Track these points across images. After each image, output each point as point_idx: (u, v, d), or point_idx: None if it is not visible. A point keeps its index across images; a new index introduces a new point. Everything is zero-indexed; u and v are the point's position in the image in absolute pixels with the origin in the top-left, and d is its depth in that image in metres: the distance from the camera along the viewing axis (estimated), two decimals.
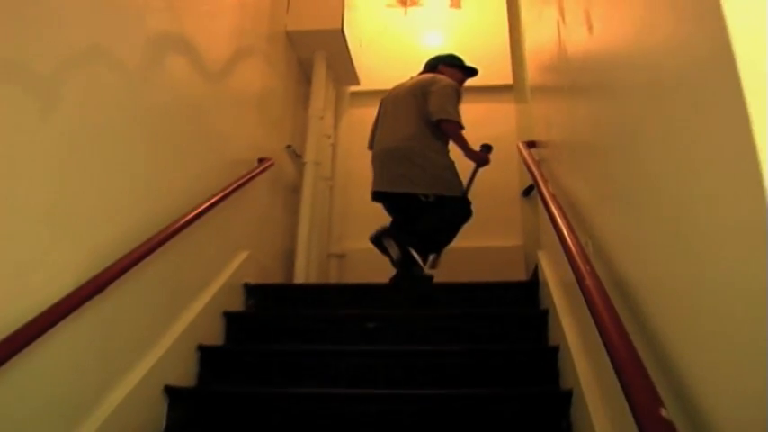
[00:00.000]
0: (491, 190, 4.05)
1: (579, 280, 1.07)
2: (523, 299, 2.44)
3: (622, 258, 1.09)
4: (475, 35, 4.32)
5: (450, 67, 3.08)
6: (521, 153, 2.31)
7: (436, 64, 3.12)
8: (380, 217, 4.21)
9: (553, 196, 1.57)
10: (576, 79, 1.44)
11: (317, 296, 2.73)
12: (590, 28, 1.22)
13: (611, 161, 1.16)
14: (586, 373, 1.44)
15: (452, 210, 2.76)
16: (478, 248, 3.85)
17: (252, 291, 2.61)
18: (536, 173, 1.89)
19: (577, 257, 1.15)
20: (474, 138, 4.18)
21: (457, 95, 2.86)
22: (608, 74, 1.14)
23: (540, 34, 2.13)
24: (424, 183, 2.72)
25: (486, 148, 2.93)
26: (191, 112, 2.15)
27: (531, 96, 2.56)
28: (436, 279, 2.93)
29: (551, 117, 1.97)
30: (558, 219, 1.39)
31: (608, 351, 0.86)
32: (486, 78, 4.19)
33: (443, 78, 2.96)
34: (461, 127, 2.79)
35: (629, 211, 1.06)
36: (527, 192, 3.81)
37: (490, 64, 4.19)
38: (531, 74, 2.54)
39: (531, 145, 2.36)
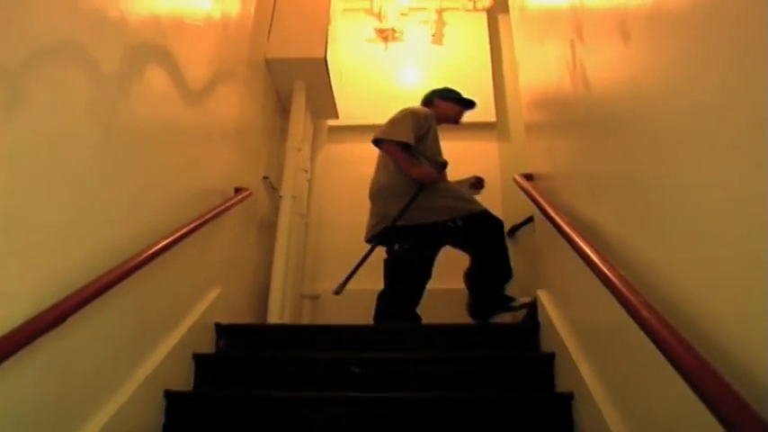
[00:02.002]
0: None
1: (634, 313, 0.94)
2: (520, 342, 2.30)
3: (678, 289, 0.97)
4: (457, 73, 4.32)
5: (445, 101, 3.07)
6: (520, 185, 2.22)
7: (432, 98, 3.13)
8: (353, 256, 4.06)
9: (572, 226, 1.46)
10: (599, 104, 1.35)
11: (295, 338, 2.52)
12: (626, 39, 1.14)
13: (661, 191, 1.05)
14: (619, 426, 1.29)
15: (486, 230, 2.79)
16: (458, 290, 3.73)
17: (223, 331, 2.39)
18: (544, 204, 1.79)
19: (624, 289, 1.03)
20: (455, 176, 4.13)
21: (412, 119, 2.86)
22: (652, 92, 1.05)
23: (542, 64, 2.08)
24: (443, 210, 2.72)
25: (440, 166, 2.88)
26: (167, 130, 1.99)
27: (527, 130, 2.50)
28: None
29: (557, 148, 1.89)
30: (587, 249, 1.27)
31: (708, 401, 0.72)
32: (468, 116, 4.19)
33: (405, 108, 2.98)
34: (402, 145, 2.79)
35: (686, 241, 0.95)
36: (513, 231, 3.74)
37: None
38: (528, 108, 2.49)
39: (528, 178, 2.28)
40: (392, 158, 2.87)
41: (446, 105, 3.04)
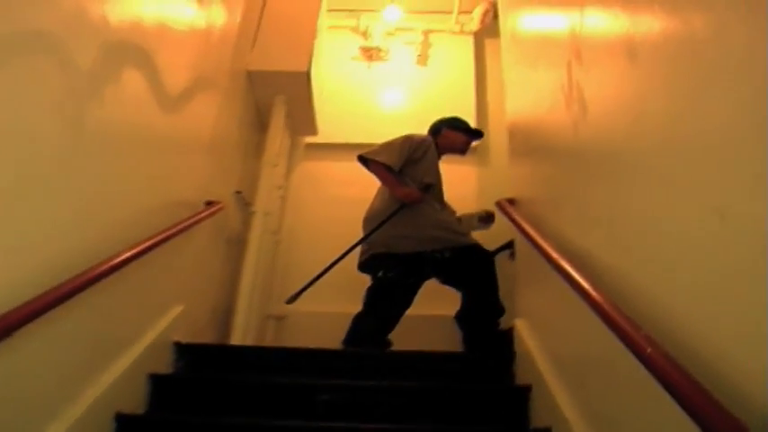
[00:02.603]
0: None
1: (637, 352, 0.89)
2: (494, 372, 2.24)
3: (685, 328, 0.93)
4: (440, 95, 4.33)
5: (453, 130, 3.11)
6: (504, 209, 2.18)
7: (440, 126, 3.16)
8: (325, 280, 3.97)
9: (562, 253, 1.42)
10: (596, 128, 1.32)
11: (260, 360, 2.42)
12: (632, 57, 1.11)
13: (659, 220, 1.03)
14: None
15: (475, 264, 2.74)
16: (424, 317, 3.66)
17: (184, 351, 2.27)
18: (529, 229, 1.75)
19: (624, 323, 0.98)
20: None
21: (403, 143, 2.92)
22: (657, 119, 1.02)
23: (533, 87, 2.07)
24: (430, 240, 2.72)
25: (424, 187, 2.88)
26: (140, 135, 1.91)
27: (512, 154, 2.48)
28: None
29: (545, 173, 1.86)
30: (580, 278, 1.23)
31: None
32: None
33: (407, 134, 3.03)
34: (386, 167, 2.85)
35: (684, 272, 0.92)
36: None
37: None
38: (514, 132, 2.47)
39: (510, 203, 2.24)
40: (377, 177, 2.92)
41: (454, 135, 3.07)
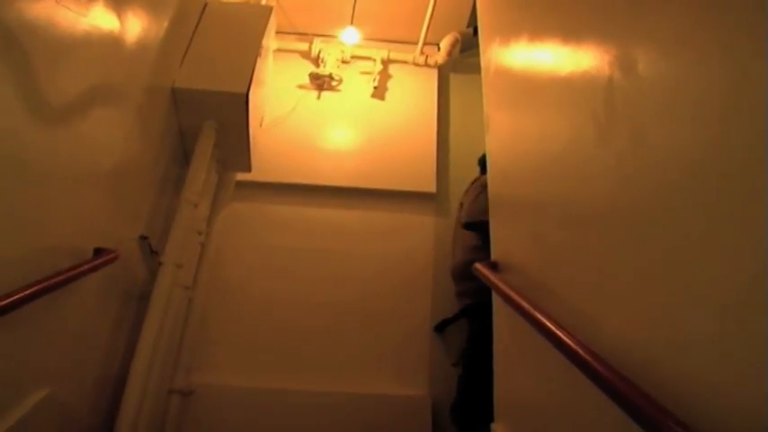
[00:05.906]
0: (391, 320, 3.58)
1: None
2: None
3: None
4: (397, 134, 4.05)
5: None
6: (484, 276, 1.81)
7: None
8: (248, 345, 3.50)
9: (580, 342, 1.06)
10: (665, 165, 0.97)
11: None
12: None
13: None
14: None
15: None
16: (366, 396, 3.26)
17: None
18: (522, 302, 1.40)
19: None
20: (385, 249, 3.75)
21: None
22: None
23: (532, 126, 1.76)
24: None
25: None
26: (5, 158, 1.45)
27: (494, 206, 2.12)
28: None
29: (555, 234, 1.49)
30: (608, 375, 0.87)
31: None
32: (406, 185, 3.89)
33: (479, 179, 3.13)
34: None
35: None
36: (442, 326, 3.46)
37: (410, 168, 3.95)
38: (498, 179, 2.13)
39: (492, 267, 1.89)
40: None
41: None
